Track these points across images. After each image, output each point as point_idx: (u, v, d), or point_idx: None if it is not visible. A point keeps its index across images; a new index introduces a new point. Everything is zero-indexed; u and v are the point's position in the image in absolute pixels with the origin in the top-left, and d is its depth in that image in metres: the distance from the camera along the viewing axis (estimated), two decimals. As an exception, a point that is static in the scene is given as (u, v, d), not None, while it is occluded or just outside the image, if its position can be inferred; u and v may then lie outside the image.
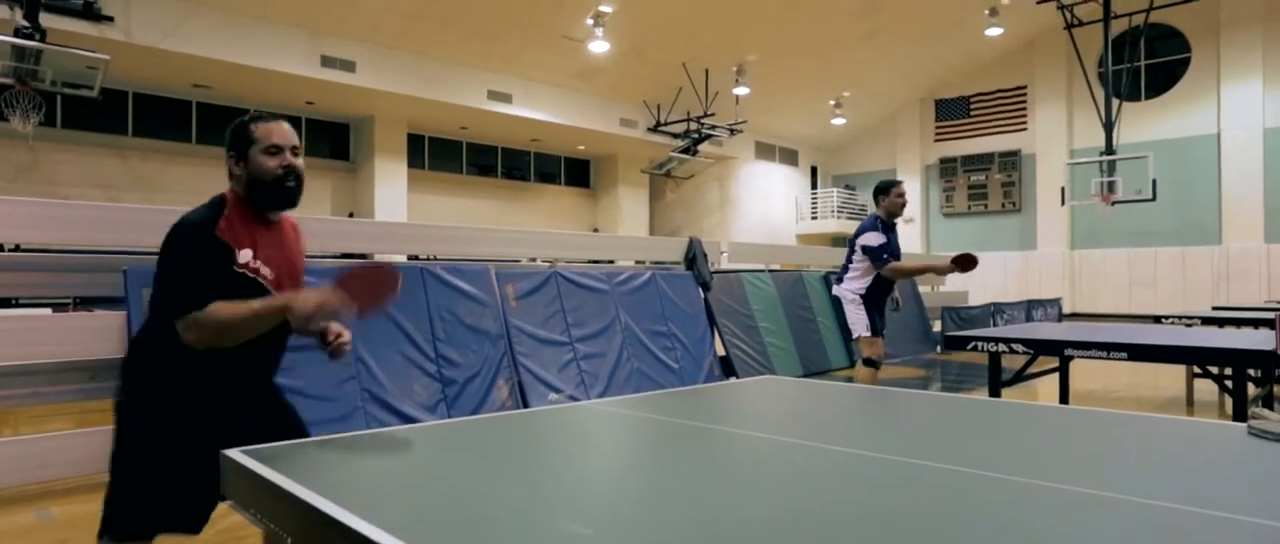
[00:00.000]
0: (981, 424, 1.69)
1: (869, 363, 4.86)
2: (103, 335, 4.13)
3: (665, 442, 1.54)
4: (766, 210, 20.32)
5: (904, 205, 4.94)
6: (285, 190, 1.91)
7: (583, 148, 18.52)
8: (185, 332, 1.77)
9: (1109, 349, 3.45)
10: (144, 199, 12.36)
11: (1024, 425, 1.66)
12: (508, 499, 1.08)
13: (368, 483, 1.20)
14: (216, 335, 1.78)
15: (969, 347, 4.00)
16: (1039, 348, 3.78)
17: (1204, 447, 1.44)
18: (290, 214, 2.06)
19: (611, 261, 7.72)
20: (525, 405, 5.36)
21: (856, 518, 1.02)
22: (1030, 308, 12.87)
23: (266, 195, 1.91)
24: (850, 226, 20.08)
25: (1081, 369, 8.58)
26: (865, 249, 4.86)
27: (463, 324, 5.40)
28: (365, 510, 0.97)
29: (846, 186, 21.67)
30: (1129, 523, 0.97)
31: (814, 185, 22.04)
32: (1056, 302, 14.55)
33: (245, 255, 1.86)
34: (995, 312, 11.60)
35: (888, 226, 4.92)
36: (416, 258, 7.88)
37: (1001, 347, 3.84)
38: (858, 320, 4.92)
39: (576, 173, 19.60)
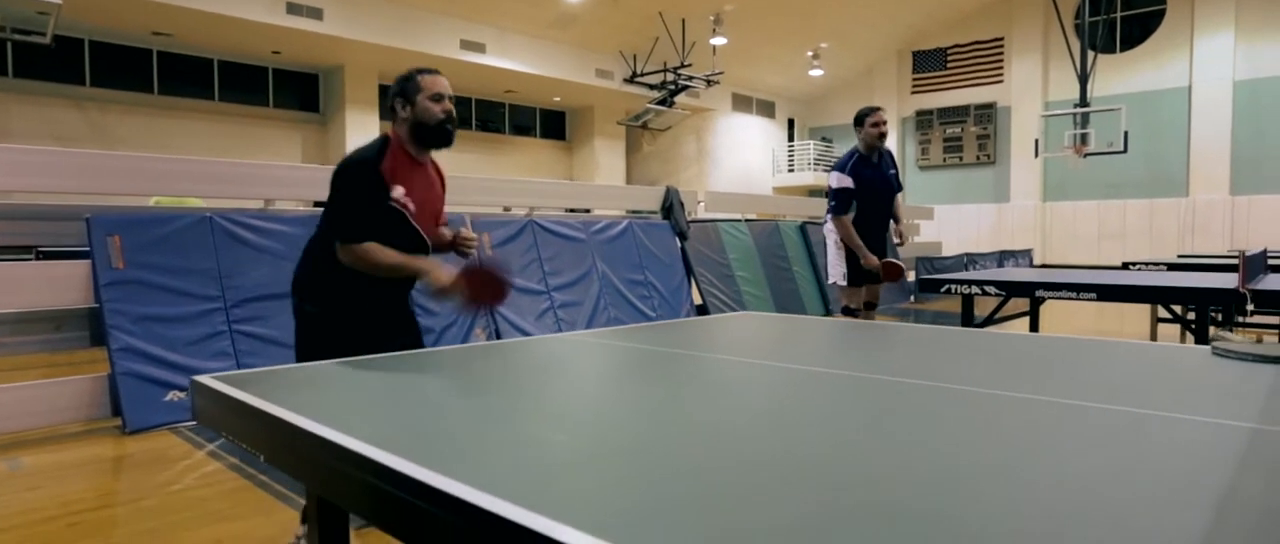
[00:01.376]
0: (957, 349, 1.71)
1: (848, 313, 4.47)
2: (68, 285, 4.03)
3: (640, 364, 1.54)
4: (743, 162, 20.26)
5: (882, 135, 4.36)
6: (445, 132, 2.25)
7: (558, 99, 18.24)
8: (341, 254, 2.16)
9: (1078, 290, 3.51)
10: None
11: (998, 350, 1.69)
12: (478, 412, 1.07)
13: (337, 402, 1.19)
14: (363, 267, 2.16)
15: (943, 290, 4.05)
16: (1011, 290, 3.84)
17: (1171, 365, 1.47)
18: (437, 158, 2.40)
19: (588, 210, 7.67)
20: (503, 354, 5.35)
21: (833, 422, 1.02)
22: (1002, 258, 13.08)
23: (430, 136, 2.25)
24: (826, 179, 20.08)
25: (1051, 314, 8.76)
26: (827, 191, 4.48)
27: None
28: (336, 423, 0.95)
29: (824, 139, 21.63)
30: (1102, 424, 0.98)
31: (791, 138, 21.97)
32: (1027, 252, 14.79)
33: (398, 192, 2.20)
34: (968, 262, 11.77)
35: (866, 162, 4.42)
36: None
37: (975, 289, 3.88)
38: (835, 266, 4.53)
39: (552, 125, 19.34)
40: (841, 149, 20.93)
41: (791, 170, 21.26)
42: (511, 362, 1.61)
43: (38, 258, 6.32)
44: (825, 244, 4.72)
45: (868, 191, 4.40)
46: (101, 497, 3.01)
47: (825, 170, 20.72)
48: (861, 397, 1.21)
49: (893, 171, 4.60)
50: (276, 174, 5.15)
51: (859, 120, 4.47)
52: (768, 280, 8.05)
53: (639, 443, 0.95)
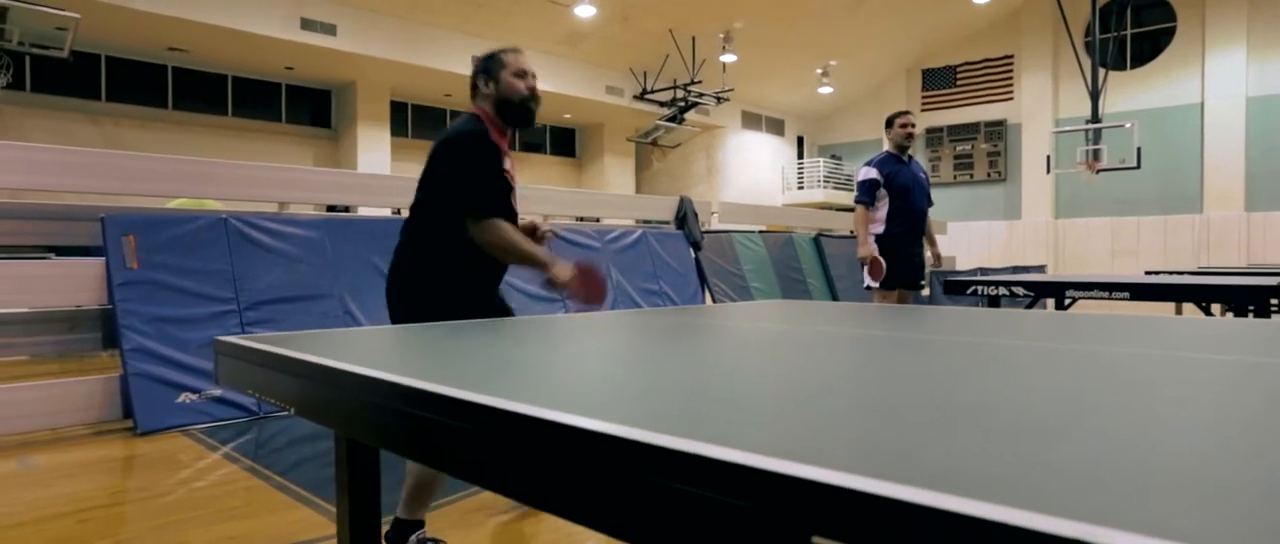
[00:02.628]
0: (1024, 322, 1.63)
1: None
2: (83, 284, 3.99)
3: (659, 327, 1.47)
4: (753, 180, 20.24)
5: (909, 135, 4.61)
6: (528, 110, 2.20)
7: (568, 116, 18.30)
8: (478, 230, 2.06)
9: (1110, 289, 3.42)
10: (119, 165, 12.03)
11: (1054, 322, 1.60)
12: (512, 357, 1.00)
13: (367, 352, 1.12)
14: (493, 248, 2.09)
15: (969, 292, 3.97)
16: (1040, 290, 3.75)
17: (1247, 331, 1.39)
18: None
19: (597, 220, 7.62)
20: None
21: (882, 370, 0.95)
22: (1016, 273, 12.94)
23: (513, 113, 2.19)
24: (836, 197, 20.05)
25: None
26: (857, 183, 4.72)
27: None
28: (372, 365, 0.89)
29: (833, 157, 21.61)
30: (1205, 368, 0.91)
31: (800, 155, 21.97)
32: (1041, 268, 14.66)
33: (506, 162, 2.19)
34: (983, 276, 11.66)
35: (896, 160, 4.61)
36: (398, 212, 7.73)
37: (1002, 291, 3.80)
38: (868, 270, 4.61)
39: (562, 142, 19.39)
40: (851, 167, 20.92)
41: (801, 188, 21.22)
42: (544, 331, 1.54)
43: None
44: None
45: (899, 188, 4.57)
46: (112, 495, 2.94)
47: (835, 188, 20.69)
48: (931, 353, 1.13)
49: (924, 175, 4.79)
50: (291, 177, 5.12)
51: (889, 122, 4.75)
52: (782, 292, 7.97)
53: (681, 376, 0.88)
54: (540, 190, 7.19)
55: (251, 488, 3.01)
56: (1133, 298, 3.35)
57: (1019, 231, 18.45)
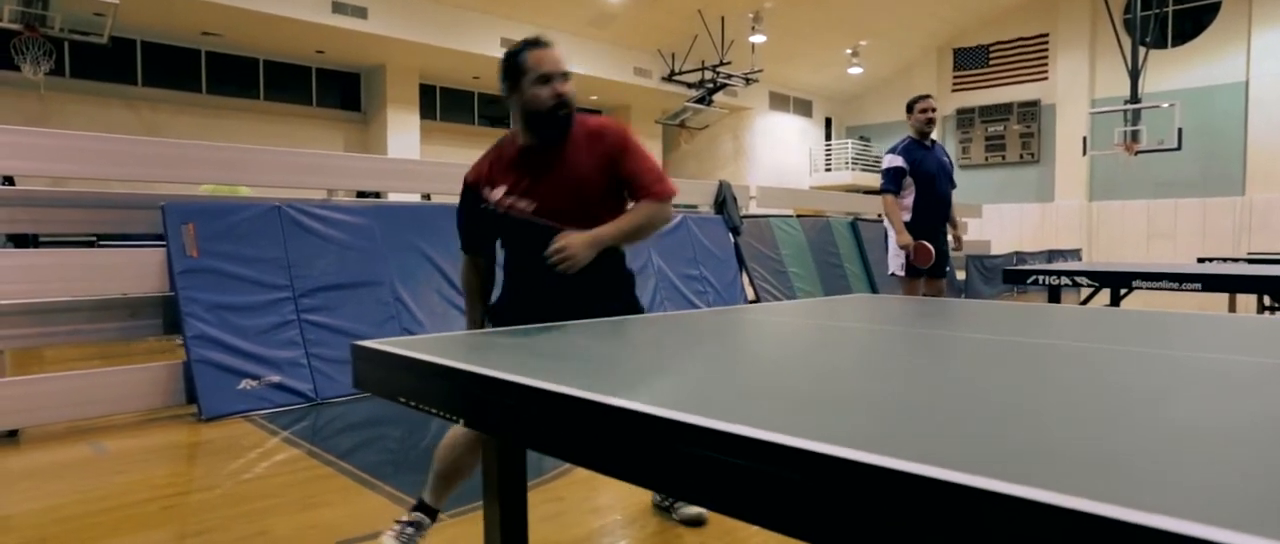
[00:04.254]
0: (1067, 318, 1.59)
1: None
2: (145, 272, 4.06)
3: (726, 323, 1.46)
4: (781, 162, 20.08)
5: (930, 121, 4.52)
6: (557, 120, 1.96)
7: (595, 98, 18.22)
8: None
9: (1181, 280, 3.35)
10: (156, 149, 12.17)
11: (1106, 317, 1.57)
12: (695, 371, 0.99)
13: (529, 362, 1.12)
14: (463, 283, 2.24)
15: (1029, 281, 3.91)
16: (1103, 280, 3.69)
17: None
18: (590, 122, 2.08)
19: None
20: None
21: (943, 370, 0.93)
22: (1051, 257, 12.78)
23: (540, 126, 1.97)
24: (865, 179, 19.83)
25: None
26: (882, 172, 4.63)
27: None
28: (541, 376, 0.88)
29: (862, 138, 21.36)
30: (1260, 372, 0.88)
31: (828, 137, 21.74)
32: (1076, 252, 14.44)
33: (496, 193, 2.03)
34: (1018, 261, 11.50)
35: (919, 146, 4.53)
36: (428, 197, 7.74)
37: (1064, 280, 3.74)
38: (894, 257, 4.59)
39: (588, 125, 19.32)
40: (880, 148, 20.65)
41: (829, 169, 21.02)
42: (645, 332, 1.53)
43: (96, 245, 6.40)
44: (887, 236, 4.73)
45: (924, 175, 4.49)
46: (189, 481, 3.00)
47: (863, 170, 20.46)
48: (991, 355, 1.10)
49: (947, 159, 4.72)
50: (339, 164, 5.16)
51: (909, 107, 4.66)
52: (820, 276, 7.92)
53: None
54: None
55: (320, 476, 3.06)
56: (1204, 289, 3.28)
57: (1052, 214, 18.16)
